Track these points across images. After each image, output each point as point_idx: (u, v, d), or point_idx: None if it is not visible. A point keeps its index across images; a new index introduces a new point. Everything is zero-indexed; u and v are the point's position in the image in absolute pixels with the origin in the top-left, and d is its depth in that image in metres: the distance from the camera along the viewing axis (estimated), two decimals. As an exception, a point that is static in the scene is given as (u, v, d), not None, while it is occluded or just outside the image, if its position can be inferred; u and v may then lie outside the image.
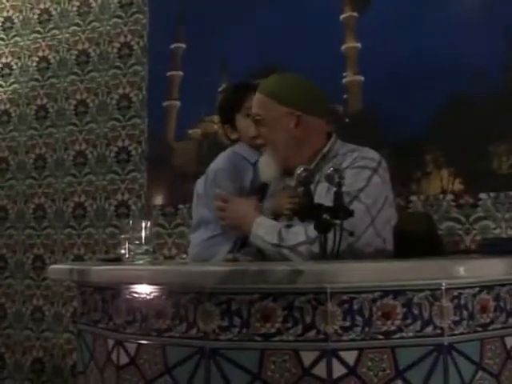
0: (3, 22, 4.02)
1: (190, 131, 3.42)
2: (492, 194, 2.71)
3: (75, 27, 3.80)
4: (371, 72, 2.94)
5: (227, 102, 2.22)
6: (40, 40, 3.90)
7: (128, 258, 1.79)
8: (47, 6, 3.91)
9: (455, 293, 1.37)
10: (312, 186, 1.71)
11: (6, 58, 3.99)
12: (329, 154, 1.94)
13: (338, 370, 1.30)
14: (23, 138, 3.88)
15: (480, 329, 1.40)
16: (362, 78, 3.00)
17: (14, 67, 3.96)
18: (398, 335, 1.33)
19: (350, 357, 1.31)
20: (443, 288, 1.35)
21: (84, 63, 3.75)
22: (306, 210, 1.60)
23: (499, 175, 2.71)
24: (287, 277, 1.32)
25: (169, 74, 3.49)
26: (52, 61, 3.85)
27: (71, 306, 3.57)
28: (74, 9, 3.82)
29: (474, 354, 1.38)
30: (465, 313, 1.38)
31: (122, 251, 1.81)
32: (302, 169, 1.62)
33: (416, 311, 1.34)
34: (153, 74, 3.52)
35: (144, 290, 1.49)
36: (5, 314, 3.81)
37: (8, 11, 4.02)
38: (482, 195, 2.73)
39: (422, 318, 1.34)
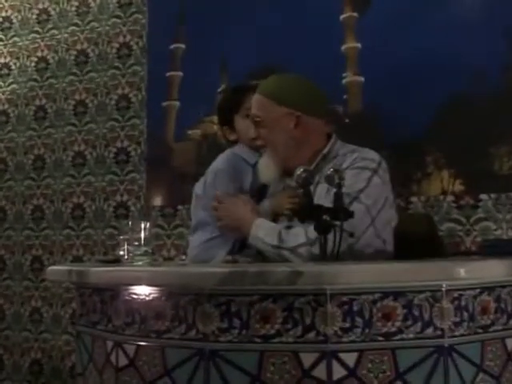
0: (2, 22, 4.01)
1: (190, 132, 3.42)
2: (493, 195, 2.71)
3: (74, 27, 3.79)
4: (371, 72, 2.94)
5: (226, 103, 2.21)
6: (39, 40, 3.89)
7: (127, 259, 1.79)
8: (46, 6, 3.90)
9: (456, 294, 1.37)
10: (312, 187, 1.71)
11: (5, 58, 3.98)
12: (329, 155, 1.93)
13: (338, 372, 1.30)
14: (22, 138, 3.87)
15: (481, 330, 1.39)
16: (362, 79, 2.99)
17: (13, 67, 3.96)
18: (398, 337, 1.32)
19: (350, 358, 1.30)
20: (444, 289, 1.35)
21: (83, 63, 3.74)
22: (306, 211, 1.60)
23: (500, 176, 2.70)
24: (287, 278, 1.32)
25: (168, 74, 3.48)
26: (51, 61, 3.84)
27: (70, 308, 3.56)
28: (73, 9, 3.81)
29: (475, 356, 1.37)
30: (465, 314, 1.37)
31: (121, 252, 1.81)
32: (301, 170, 1.61)
33: (416, 312, 1.34)
34: (152, 74, 3.51)
35: (143, 292, 1.49)
36: (3, 316, 3.80)
37: (6, 11, 4.01)
38: (483, 196, 2.72)
39: (422, 320, 1.34)
